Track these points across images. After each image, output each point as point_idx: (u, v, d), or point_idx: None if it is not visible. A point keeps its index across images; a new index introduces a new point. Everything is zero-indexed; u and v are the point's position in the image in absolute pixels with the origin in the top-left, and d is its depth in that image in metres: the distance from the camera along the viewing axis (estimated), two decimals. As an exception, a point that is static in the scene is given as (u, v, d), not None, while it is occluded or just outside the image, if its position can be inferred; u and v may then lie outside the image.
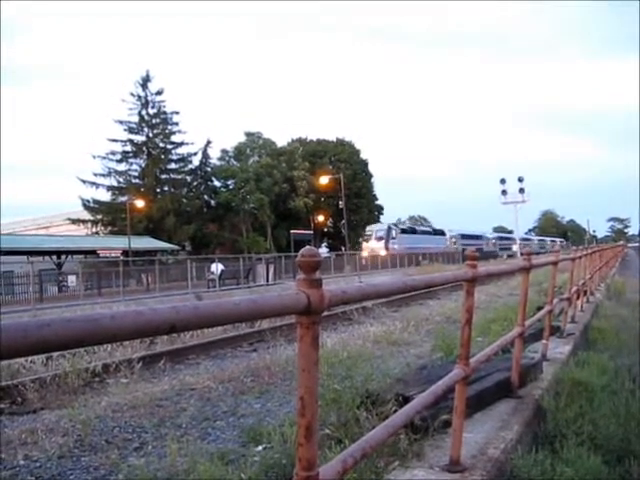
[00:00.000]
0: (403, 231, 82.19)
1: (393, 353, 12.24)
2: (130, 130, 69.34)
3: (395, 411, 4.36)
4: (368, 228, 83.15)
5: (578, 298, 13.39)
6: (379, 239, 75.71)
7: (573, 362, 8.12)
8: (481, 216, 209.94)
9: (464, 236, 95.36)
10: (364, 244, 76.37)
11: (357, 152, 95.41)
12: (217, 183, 79.55)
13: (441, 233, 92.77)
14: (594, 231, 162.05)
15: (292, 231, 56.43)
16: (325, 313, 2.24)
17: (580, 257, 13.32)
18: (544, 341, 8.67)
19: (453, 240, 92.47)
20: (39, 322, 1.30)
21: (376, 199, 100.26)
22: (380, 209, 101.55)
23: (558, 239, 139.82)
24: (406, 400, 5.09)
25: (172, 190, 71.05)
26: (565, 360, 8.49)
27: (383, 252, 69.66)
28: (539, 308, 10.27)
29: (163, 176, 71.57)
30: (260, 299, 1.96)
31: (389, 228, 78.72)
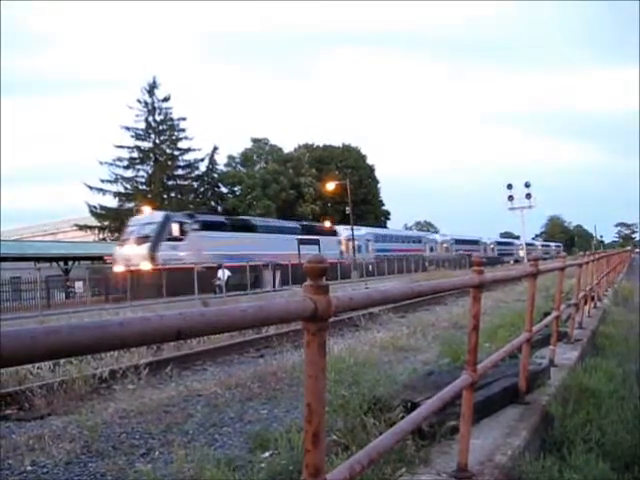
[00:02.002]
0: (204, 226, 45.17)
1: (400, 359, 12.21)
2: (137, 136, 69.58)
3: (402, 417, 4.35)
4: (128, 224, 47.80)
5: (585, 304, 13.35)
6: (139, 241, 41.96)
7: (581, 368, 8.09)
8: (489, 222, 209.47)
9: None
10: (116, 250, 43.15)
11: (363, 158, 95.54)
12: (224, 189, 79.77)
13: (328, 233, 60.59)
14: (601, 236, 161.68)
15: (298, 237, 56.39)
16: (332, 319, 2.24)
17: (587, 263, 13.28)
18: (551, 347, 8.65)
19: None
20: (47, 329, 1.30)
21: (382, 205, 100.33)
22: (387, 215, 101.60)
23: (553, 244, 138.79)
24: (413, 406, 5.08)
25: (179, 196, 71.22)
26: (573, 366, 8.46)
27: (146, 265, 39.45)
28: (546, 314, 10.24)
29: (170, 182, 71.77)
30: (267, 305, 1.96)
31: (165, 220, 43.37)
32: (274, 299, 2.25)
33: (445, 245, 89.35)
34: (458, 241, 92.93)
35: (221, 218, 52.40)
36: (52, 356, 1.36)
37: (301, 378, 2.43)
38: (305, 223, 62.42)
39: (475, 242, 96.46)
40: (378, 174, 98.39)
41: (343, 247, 63.70)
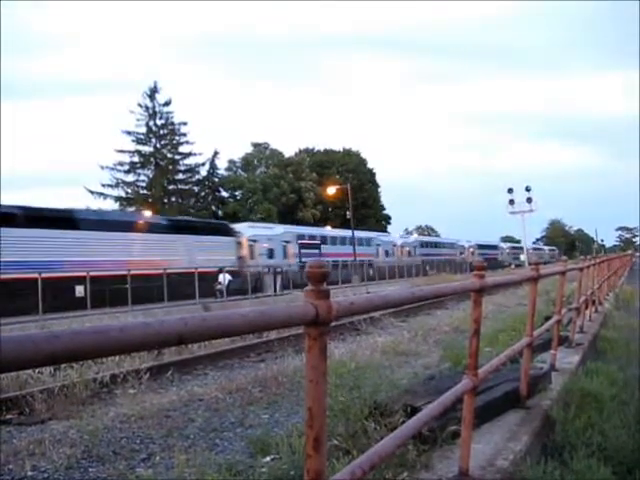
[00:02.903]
0: None
1: (401, 363, 12.20)
2: (138, 141, 69.68)
3: (403, 422, 4.35)
4: None
5: (587, 308, 13.34)
6: None
7: (582, 372, 8.08)
8: (490, 226, 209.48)
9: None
10: None
11: (364, 162, 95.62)
12: (225, 194, 79.84)
13: (216, 232, 46.01)
14: (602, 240, 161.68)
15: (299, 241, 56.38)
16: (333, 324, 2.24)
17: (588, 267, 13.27)
18: (552, 351, 8.64)
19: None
20: (48, 334, 1.30)
21: (383, 209, 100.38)
22: (387, 219, 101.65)
23: (547, 247, 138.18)
24: (414, 411, 5.07)
25: (180, 201, 71.29)
26: (574, 370, 8.46)
27: None
28: (547, 318, 10.24)
29: (171, 187, 71.86)
30: (268, 310, 1.96)
31: None
32: (275, 304, 2.25)
33: (407, 249, 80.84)
34: (426, 244, 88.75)
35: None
36: (54, 361, 1.36)
37: (302, 383, 2.42)
38: (176, 218, 49.74)
39: (449, 245, 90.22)
40: (379, 178, 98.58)
41: (244, 251, 48.33)
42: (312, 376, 2.17)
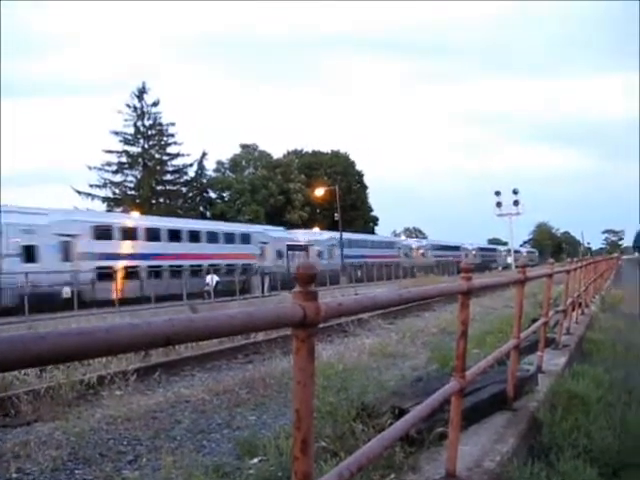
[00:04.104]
0: None
1: (389, 365, 12.21)
2: (126, 141, 69.50)
3: (391, 424, 4.35)
4: None
5: (573, 310, 13.40)
6: None
7: (568, 374, 8.12)
8: (477, 228, 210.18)
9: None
10: None
11: (352, 164, 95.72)
12: (213, 194, 79.74)
13: None
14: (589, 243, 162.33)
15: (287, 243, 56.43)
16: (320, 325, 2.23)
17: (575, 269, 13.34)
18: (539, 353, 8.67)
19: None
20: (35, 335, 1.29)
21: (371, 210, 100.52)
22: (375, 220, 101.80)
23: (524, 250, 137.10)
24: (402, 412, 5.08)
25: (167, 201, 71.13)
26: (560, 372, 8.49)
27: None
28: (534, 320, 10.27)
29: (159, 187, 71.70)
30: (256, 312, 1.95)
31: None
32: (263, 305, 2.25)
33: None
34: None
35: None
36: (41, 363, 1.35)
37: (290, 384, 2.42)
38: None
39: (389, 245, 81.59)
40: (368, 180, 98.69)
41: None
42: (300, 378, 2.16)
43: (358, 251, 69.92)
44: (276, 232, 59.13)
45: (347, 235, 70.11)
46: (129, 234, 42.86)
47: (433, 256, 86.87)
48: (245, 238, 53.13)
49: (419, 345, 14.95)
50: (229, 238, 51.35)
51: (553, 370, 8.60)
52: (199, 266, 46.39)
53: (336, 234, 67.03)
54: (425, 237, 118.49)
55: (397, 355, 13.65)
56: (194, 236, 48.12)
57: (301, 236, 62.01)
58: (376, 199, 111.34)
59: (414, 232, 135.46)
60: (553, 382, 7.76)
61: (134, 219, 46.58)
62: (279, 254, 55.84)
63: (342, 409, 6.01)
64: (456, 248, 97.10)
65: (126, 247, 42.16)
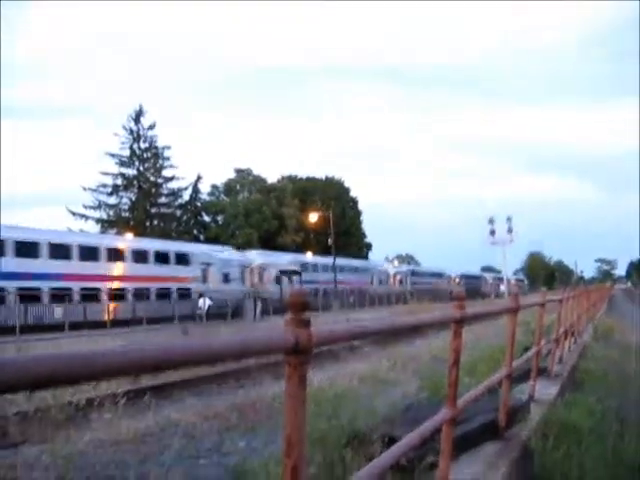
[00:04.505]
0: None
1: (379, 392, 12.15)
2: (121, 163, 69.64)
3: (382, 452, 4.33)
4: None
5: (566, 339, 13.40)
6: None
7: (561, 403, 8.11)
8: (472, 255, 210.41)
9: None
10: None
11: (346, 190, 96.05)
12: (207, 218, 79.81)
13: None
14: (582, 272, 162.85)
15: (279, 268, 56.38)
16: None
17: (567, 298, 13.36)
18: (531, 382, 8.66)
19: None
20: (28, 358, 1.29)
21: (365, 236, 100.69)
22: (369, 246, 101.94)
23: (514, 277, 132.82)
24: (392, 440, 5.05)
25: (162, 224, 71.12)
26: (553, 401, 8.48)
27: None
28: (526, 349, 10.27)
29: (153, 210, 71.72)
30: (248, 338, 1.95)
31: None
32: (256, 331, 2.25)
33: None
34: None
35: None
36: (35, 386, 1.35)
37: (281, 409, 2.41)
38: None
39: (361, 270, 75.73)
40: (363, 206, 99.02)
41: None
42: (291, 404, 2.16)
43: (320, 276, 64.15)
44: (224, 253, 54.05)
45: (307, 258, 66.62)
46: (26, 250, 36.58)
47: (412, 283, 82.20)
48: (182, 259, 47.70)
49: (410, 372, 14.89)
50: (161, 258, 45.77)
51: (545, 399, 8.59)
52: (121, 290, 42.07)
53: (299, 256, 64.89)
54: (417, 264, 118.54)
55: (388, 382, 13.59)
56: (115, 255, 42.20)
57: (257, 257, 56.87)
58: (371, 226, 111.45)
59: (406, 259, 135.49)
60: (545, 411, 7.75)
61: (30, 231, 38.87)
62: (225, 277, 50.45)
63: (332, 436, 5.98)
64: (438, 275, 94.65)
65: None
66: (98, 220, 68.29)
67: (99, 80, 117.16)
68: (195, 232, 76.48)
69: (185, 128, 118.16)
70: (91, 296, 39.52)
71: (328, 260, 67.15)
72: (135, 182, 69.94)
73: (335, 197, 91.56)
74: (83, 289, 39.32)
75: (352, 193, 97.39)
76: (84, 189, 67.79)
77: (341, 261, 69.78)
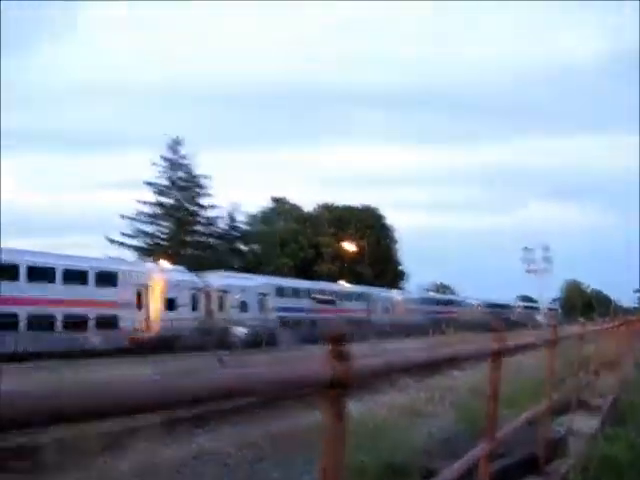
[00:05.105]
0: None
1: (417, 424, 12.02)
2: (159, 192, 70.35)
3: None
4: None
5: (606, 371, 13.15)
6: None
7: (601, 437, 7.93)
8: (507, 285, 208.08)
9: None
10: None
11: (382, 218, 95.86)
12: (243, 247, 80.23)
13: None
14: (620, 302, 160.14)
15: (313, 295, 55.69)
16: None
17: (607, 329, 13.14)
18: (571, 415, 8.50)
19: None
20: (48, 390, 1.28)
21: (400, 265, 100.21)
22: (403, 275, 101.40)
23: (546, 307, 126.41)
24: (431, 473, 4.99)
25: (199, 252, 71.56)
26: (593, 435, 8.30)
27: None
28: (566, 380, 10.10)
29: (188, 238, 72.25)
30: (285, 371, 1.94)
31: None
32: (293, 363, 2.24)
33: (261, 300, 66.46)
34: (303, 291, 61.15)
35: None
36: (58, 421, 1.32)
37: (316, 440, 2.38)
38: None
39: (357, 297, 65.95)
40: (399, 235, 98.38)
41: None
42: (328, 437, 2.14)
43: (299, 303, 55.16)
44: (170, 272, 44.64)
45: (285, 281, 57.97)
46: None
47: (421, 312, 72.95)
48: (106, 278, 38.58)
49: (448, 405, 14.72)
50: (76, 277, 37.12)
51: (585, 432, 8.41)
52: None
53: (275, 280, 55.86)
54: (452, 292, 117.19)
55: (426, 414, 13.44)
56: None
57: (217, 280, 47.20)
58: (410, 254, 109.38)
59: (440, 288, 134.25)
60: (585, 445, 7.58)
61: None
62: (170, 303, 41.42)
63: (371, 467, 5.93)
64: (455, 303, 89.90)
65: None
66: (136, 248, 69.01)
67: (138, 109, 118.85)
68: (230, 261, 76.85)
69: (221, 155, 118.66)
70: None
71: (313, 285, 60.43)
72: (172, 211, 70.63)
73: (371, 225, 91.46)
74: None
75: (388, 221, 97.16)
76: (122, 217, 68.56)
77: (331, 286, 63.29)
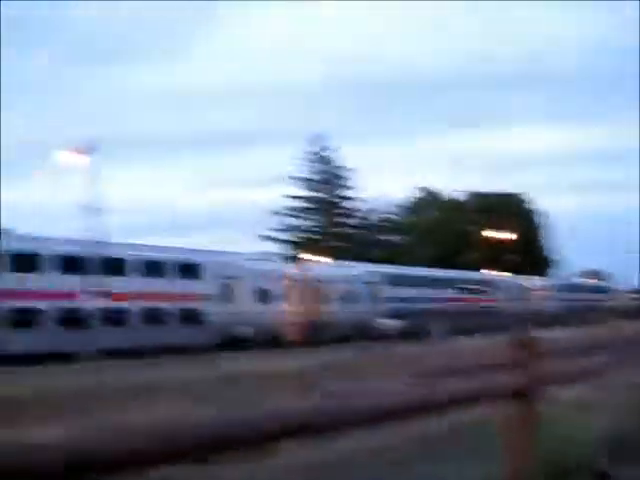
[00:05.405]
0: None
1: (585, 419, 11.34)
2: (306, 187, 71.49)
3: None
4: None
5: None
6: None
7: None
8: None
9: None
10: None
11: (530, 203, 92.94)
12: (390, 237, 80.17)
13: None
14: None
15: (460, 285, 54.61)
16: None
17: None
18: None
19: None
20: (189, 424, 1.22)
21: (550, 253, 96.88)
22: (555, 263, 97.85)
23: None
24: (603, 477, 4.69)
25: (347, 244, 72.11)
26: None
27: None
28: None
29: (338, 229, 72.96)
30: (474, 382, 1.82)
31: None
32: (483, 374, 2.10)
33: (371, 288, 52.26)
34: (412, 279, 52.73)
35: None
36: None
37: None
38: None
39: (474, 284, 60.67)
40: (552, 221, 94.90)
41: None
42: (513, 442, 2.00)
43: (410, 292, 49.35)
44: (257, 262, 41.52)
45: (390, 269, 52.68)
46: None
47: (560, 299, 67.58)
48: (189, 270, 36.41)
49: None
50: (154, 268, 35.05)
51: None
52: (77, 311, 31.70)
53: (378, 268, 51.16)
54: (604, 279, 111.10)
55: (594, 407, 12.66)
56: (71, 264, 31.89)
57: (304, 269, 42.65)
58: (566, 242, 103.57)
59: (592, 274, 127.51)
60: None
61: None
62: (263, 294, 38.64)
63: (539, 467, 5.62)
64: (601, 290, 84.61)
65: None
66: (289, 242, 70.39)
67: (275, 102, 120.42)
68: (373, 250, 76.91)
69: (358, 146, 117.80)
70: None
71: (423, 272, 55.86)
72: (321, 204, 71.57)
73: (517, 212, 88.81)
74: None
75: (538, 206, 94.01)
76: (273, 213, 70.03)
77: (447, 273, 58.72)
